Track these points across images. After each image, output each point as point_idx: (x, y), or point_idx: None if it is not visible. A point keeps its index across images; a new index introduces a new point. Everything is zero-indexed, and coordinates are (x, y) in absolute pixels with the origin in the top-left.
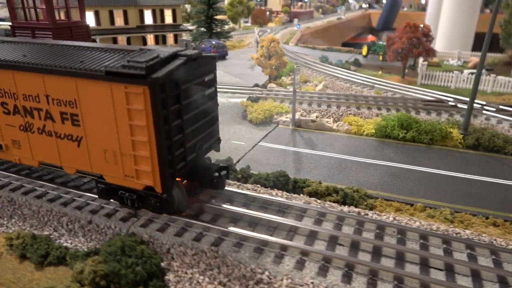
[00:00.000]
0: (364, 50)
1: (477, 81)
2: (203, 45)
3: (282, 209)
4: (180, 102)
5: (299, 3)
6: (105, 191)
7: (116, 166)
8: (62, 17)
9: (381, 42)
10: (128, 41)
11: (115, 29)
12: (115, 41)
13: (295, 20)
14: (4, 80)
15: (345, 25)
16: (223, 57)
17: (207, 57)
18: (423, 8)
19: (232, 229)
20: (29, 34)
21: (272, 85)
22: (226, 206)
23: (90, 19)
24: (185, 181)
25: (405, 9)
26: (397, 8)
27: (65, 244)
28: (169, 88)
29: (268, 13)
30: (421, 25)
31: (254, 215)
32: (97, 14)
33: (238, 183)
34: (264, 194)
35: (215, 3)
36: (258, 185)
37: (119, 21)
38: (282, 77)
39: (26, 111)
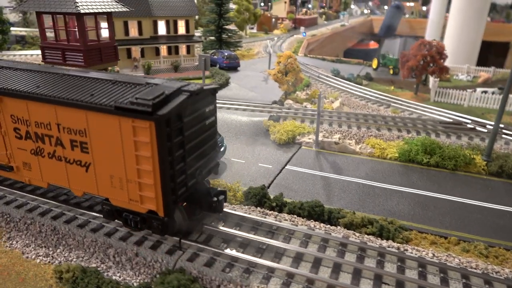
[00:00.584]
0: (374, 63)
1: (503, 105)
2: (215, 56)
3: (323, 244)
4: (183, 134)
5: (304, 10)
6: (110, 212)
7: (122, 191)
8: (91, 36)
9: (391, 56)
10: (142, 52)
11: (129, 39)
12: (129, 51)
13: (301, 28)
14: (18, 108)
15: (348, 32)
16: (235, 68)
17: (208, 90)
18: (424, 15)
19: (275, 265)
20: (59, 55)
21: (289, 101)
22: (269, 240)
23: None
24: (185, 203)
25: (407, 16)
26: (400, 15)
27: (114, 278)
28: (173, 122)
29: (274, 20)
30: (435, 43)
31: (296, 250)
32: (112, 25)
33: (274, 212)
34: (303, 226)
35: (226, 13)
36: (294, 216)
37: (133, 32)
38: (297, 92)
39: (38, 137)
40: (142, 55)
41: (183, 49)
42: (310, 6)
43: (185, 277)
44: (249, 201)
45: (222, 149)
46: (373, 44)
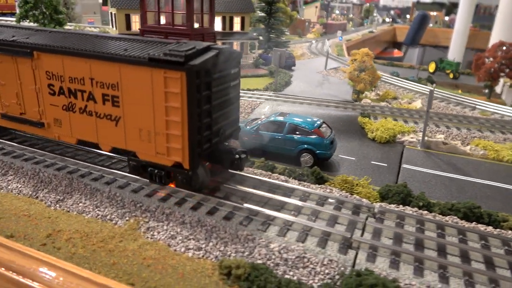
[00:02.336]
0: (432, 66)
1: None
2: (270, 55)
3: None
4: (210, 89)
5: (333, 15)
6: (136, 167)
7: (149, 144)
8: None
9: (450, 59)
10: None
11: None
12: None
13: (338, 32)
14: (53, 64)
15: (376, 39)
16: (289, 67)
17: (234, 52)
18: (448, 25)
19: None
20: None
21: (367, 100)
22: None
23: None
24: (207, 163)
25: (431, 25)
26: (426, 24)
27: (286, 276)
28: (203, 75)
29: (307, 23)
30: None
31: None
32: None
33: (423, 211)
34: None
35: (276, 12)
36: (452, 217)
37: None
38: (366, 92)
39: (71, 92)
40: None
41: (236, 46)
42: (337, 12)
43: (383, 279)
44: (390, 199)
45: (334, 144)
46: (397, 53)
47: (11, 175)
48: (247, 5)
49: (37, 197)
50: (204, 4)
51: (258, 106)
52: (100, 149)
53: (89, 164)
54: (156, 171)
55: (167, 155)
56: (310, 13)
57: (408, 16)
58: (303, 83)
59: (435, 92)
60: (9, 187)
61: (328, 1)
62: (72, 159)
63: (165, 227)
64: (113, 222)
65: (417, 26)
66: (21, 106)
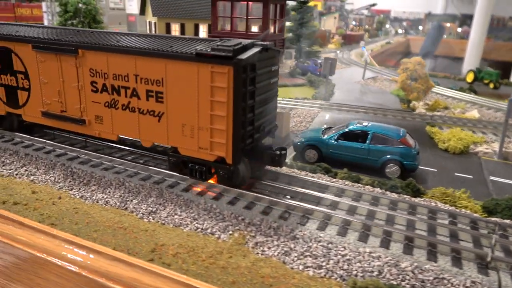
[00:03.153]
0: (470, 76)
1: None
2: (305, 64)
3: None
4: (254, 84)
5: (351, 26)
6: (177, 163)
7: (192, 139)
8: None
9: (490, 69)
10: None
11: None
12: None
13: (361, 42)
14: (98, 62)
15: (392, 50)
16: (325, 76)
17: (275, 50)
18: (462, 37)
19: None
20: None
21: (421, 110)
22: None
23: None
24: (247, 159)
25: (445, 36)
26: (441, 35)
27: None
28: (249, 70)
29: (328, 34)
30: None
31: None
32: (182, 27)
33: None
34: None
35: (307, 21)
36: None
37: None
38: (413, 102)
39: (114, 89)
40: None
41: None
42: (354, 22)
43: None
44: (501, 214)
45: (419, 154)
46: None
47: (94, 184)
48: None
49: (126, 208)
50: (277, 11)
51: (317, 115)
52: (141, 146)
53: (173, 173)
54: (197, 166)
55: (210, 150)
56: (329, 23)
57: (420, 27)
58: (345, 92)
59: (485, 101)
60: (94, 197)
61: (347, 12)
62: (154, 168)
63: (275, 242)
64: (216, 236)
65: (432, 37)
66: (62, 104)
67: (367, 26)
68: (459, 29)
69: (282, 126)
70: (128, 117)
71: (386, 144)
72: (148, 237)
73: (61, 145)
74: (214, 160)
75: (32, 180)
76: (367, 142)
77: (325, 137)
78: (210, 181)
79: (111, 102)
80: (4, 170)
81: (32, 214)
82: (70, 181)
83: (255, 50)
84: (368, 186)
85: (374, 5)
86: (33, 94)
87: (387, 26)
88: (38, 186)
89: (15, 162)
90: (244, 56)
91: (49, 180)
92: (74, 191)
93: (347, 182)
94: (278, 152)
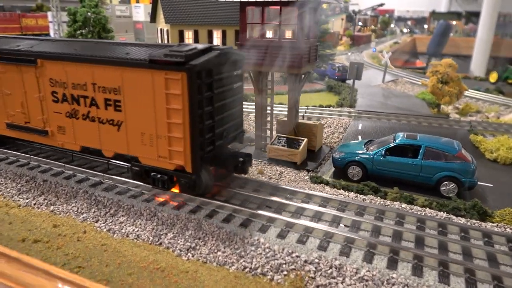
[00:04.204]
0: (493, 76)
1: None
2: (322, 68)
3: None
4: (212, 90)
5: (357, 27)
6: (139, 173)
7: (151, 147)
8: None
9: None
10: None
11: None
12: None
13: (372, 43)
14: (57, 71)
15: (400, 50)
16: (343, 80)
17: (237, 54)
18: (468, 34)
19: None
20: (263, 54)
21: (455, 115)
22: None
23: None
24: (212, 167)
25: (451, 34)
26: (449, 33)
27: None
28: (204, 76)
29: (337, 36)
30: None
31: None
32: (196, 34)
33: None
34: None
35: (322, 24)
36: None
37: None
38: (442, 105)
39: (74, 99)
40: None
41: None
42: (360, 23)
43: None
44: None
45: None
46: (419, 63)
47: (123, 215)
48: None
49: (160, 244)
50: (311, 15)
51: (349, 125)
52: (103, 156)
53: (210, 201)
54: (159, 175)
55: (169, 159)
56: (337, 25)
57: (425, 26)
58: (367, 97)
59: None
60: (123, 230)
61: (355, 13)
62: (187, 195)
63: (340, 286)
64: (268, 277)
65: (439, 36)
66: (25, 115)
67: (372, 27)
68: (465, 27)
69: (315, 139)
70: (89, 127)
71: (440, 160)
72: (191, 281)
73: (81, 168)
74: (175, 168)
75: (52, 211)
76: (419, 157)
77: (370, 152)
78: (173, 190)
79: (72, 112)
80: (21, 199)
81: (56, 255)
82: (95, 212)
83: (212, 54)
84: (429, 209)
85: (382, 4)
86: None
87: (392, 25)
88: (60, 218)
89: (32, 190)
90: (198, 61)
91: (71, 211)
92: (100, 223)
93: (403, 205)
94: (241, 159)
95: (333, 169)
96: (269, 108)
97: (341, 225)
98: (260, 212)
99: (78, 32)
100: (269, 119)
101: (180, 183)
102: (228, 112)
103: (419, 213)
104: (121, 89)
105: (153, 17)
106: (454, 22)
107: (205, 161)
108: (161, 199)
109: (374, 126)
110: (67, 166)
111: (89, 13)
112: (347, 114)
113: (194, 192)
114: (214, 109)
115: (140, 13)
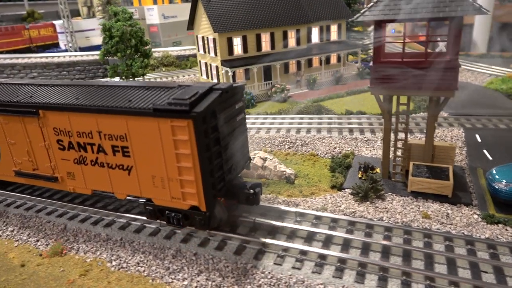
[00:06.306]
0: None
1: None
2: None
3: None
4: (217, 130)
5: None
6: (154, 212)
7: (164, 190)
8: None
9: None
10: (298, 65)
11: (287, 52)
12: (286, 65)
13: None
14: (60, 121)
15: None
16: None
17: (237, 88)
18: None
19: None
20: (403, 76)
21: None
22: None
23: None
24: (222, 199)
25: None
26: None
27: None
28: (209, 119)
29: None
30: None
31: None
32: (244, 40)
33: None
34: None
35: (353, 7)
36: None
37: (291, 43)
38: None
39: (80, 146)
40: (299, 68)
41: (333, 58)
42: None
43: None
44: None
45: None
46: None
47: None
48: (343, 9)
49: None
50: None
51: (462, 136)
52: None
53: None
54: (173, 214)
55: (182, 200)
56: None
57: None
58: None
59: None
60: None
61: None
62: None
63: None
64: None
65: None
66: (33, 163)
67: None
68: None
69: (452, 163)
70: (98, 172)
71: None
72: None
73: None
74: (189, 207)
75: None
76: None
77: None
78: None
79: (79, 158)
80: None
81: None
82: None
83: (214, 96)
84: None
85: None
86: (3, 154)
87: None
88: None
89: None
90: (202, 106)
91: None
92: None
93: None
94: (252, 191)
95: (487, 199)
96: (401, 134)
97: None
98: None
99: (114, 48)
100: (399, 145)
101: (195, 221)
102: (235, 145)
103: None
104: (127, 136)
105: (191, 24)
106: None
107: (219, 194)
108: None
109: (494, 136)
110: None
111: (125, 27)
112: (444, 121)
113: (209, 227)
114: (221, 148)
115: (154, 15)
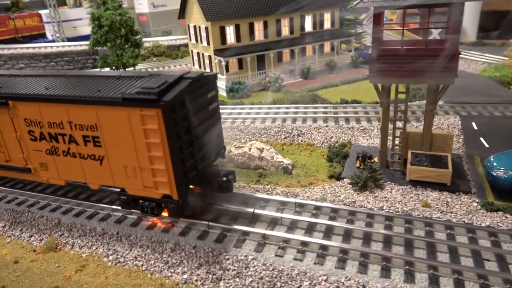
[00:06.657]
0: None
1: None
2: (366, 51)
3: None
4: (188, 119)
5: None
6: (127, 201)
7: (136, 179)
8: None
9: None
10: (292, 54)
11: (280, 40)
12: (279, 54)
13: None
14: (31, 112)
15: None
16: None
17: (209, 76)
18: None
19: None
20: (401, 64)
21: None
22: None
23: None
24: (197, 187)
25: None
26: None
27: None
28: (178, 108)
29: None
30: None
31: None
32: (237, 29)
33: None
34: None
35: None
36: None
37: (285, 31)
38: None
39: (52, 137)
40: (292, 57)
41: (327, 46)
42: None
43: None
44: None
45: None
46: None
47: None
48: None
49: None
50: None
51: (459, 124)
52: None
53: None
54: (147, 203)
55: (155, 189)
56: None
57: None
58: None
59: None
60: None
61: None
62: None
63: None
64: None
65: None
66: (5, 154)
67: None
68: None
69: (450, 151)
70: (71, 162)
71: None
72: None
73: None
74: (162, 196)
75: None
76: None
77: None
78: (163, 213)
79: (51, 149)
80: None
81: None
82: None
83: (183, 85)
84: None
85: None
86: None
87: None
88: None
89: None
90: (171, 95)
91: None
92: None
93: None
94: (225, 179)
95: (486, 186)
96: (399, 123)
97: None
98: None
99: (103, 38)
100: (398, 133)
101: (169, 209)
102: (208, 134)
103: None
104: (98, 126)
105: (182, 12)
106: None
107: (192, 182)
108: None
109: (490, 123)
110: None
111: (114, 16)
112: (440, 109)
113: (183, 215)
114: (192, 136)
115: (144, 4)
